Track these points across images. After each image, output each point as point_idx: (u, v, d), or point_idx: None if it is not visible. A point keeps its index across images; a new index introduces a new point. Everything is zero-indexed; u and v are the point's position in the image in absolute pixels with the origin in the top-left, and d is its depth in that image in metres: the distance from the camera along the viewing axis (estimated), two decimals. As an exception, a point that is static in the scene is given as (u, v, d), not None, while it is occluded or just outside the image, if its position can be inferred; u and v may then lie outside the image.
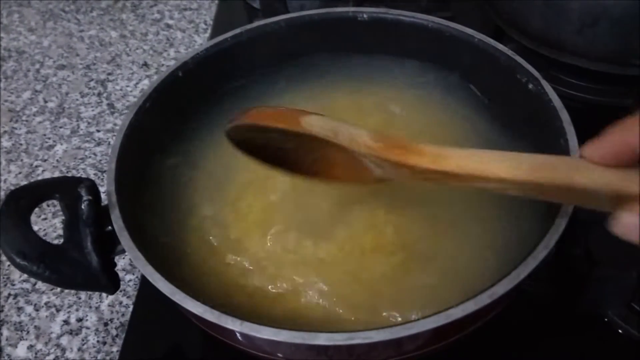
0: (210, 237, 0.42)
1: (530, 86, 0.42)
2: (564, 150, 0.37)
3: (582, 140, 0.38)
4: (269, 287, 0.39)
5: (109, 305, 0.49)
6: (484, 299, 0.29)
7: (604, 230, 0.45)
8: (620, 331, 0.43)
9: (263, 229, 0.41)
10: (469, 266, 0.38)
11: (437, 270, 0.38)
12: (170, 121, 0.46)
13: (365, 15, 0.50)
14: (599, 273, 0.44)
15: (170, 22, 0.82)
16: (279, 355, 0.34)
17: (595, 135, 0.28)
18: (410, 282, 0.38)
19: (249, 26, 0.49)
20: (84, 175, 0.61)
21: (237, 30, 0.49)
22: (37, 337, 0.48)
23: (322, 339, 0.28)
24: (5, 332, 0.48)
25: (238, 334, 0.31)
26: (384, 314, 0.36)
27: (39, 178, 0.60)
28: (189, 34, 0.79)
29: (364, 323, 0.36)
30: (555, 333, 0.45)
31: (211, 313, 0.30)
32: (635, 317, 0.43)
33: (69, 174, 0.61)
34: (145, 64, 0.74)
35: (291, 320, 0.37)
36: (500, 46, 0.44)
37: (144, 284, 0.49)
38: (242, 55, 0.49)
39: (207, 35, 0.79)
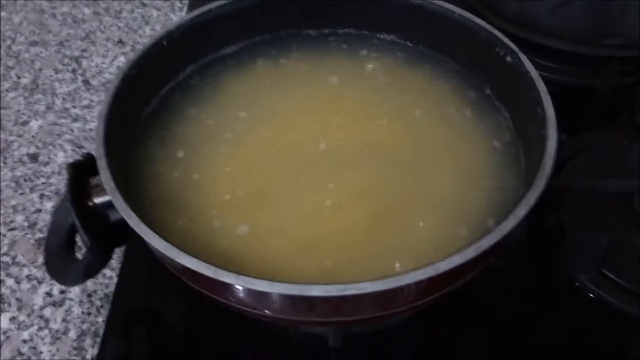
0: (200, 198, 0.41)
1: (509, 59, 0.43)
2: (541, 118, 0.39)
3: (558, 111, 0.39)
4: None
5: (92, 278, 0.49)
6: (469, 253, 0.31)
7: (576, 197, 0.47)
8: (591, 295, 0.45)
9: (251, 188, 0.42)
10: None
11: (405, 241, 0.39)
12: (154, 90, 0.47)
13: (345, -10, 0.51)
14: (570, 240, 0.46)
15: (146, 0, 0.81)
16: (266, 311, 0.34)
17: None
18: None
19: (231, -2, 0.49)
20: (61, 151, 0.60)
21: (221, 2, 0.49)
22: (19, 308, 0.47)
23: (316, 291, 0.29)
24: (-15, 305, 0.47)
25: (232, 288, 0.32)
26: None
27: (15, 153, 0.60)
28: (165, 12, 0.78)
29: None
30: (529, 300, 0.47)
31: (207, 268, 0.30)
32: (605, 281, 0.45)
33: (45, 150, 0.60)
34: (121, 41, 0.74)
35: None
36: (479, 21, 0.46)
37: (128, 257, 0.49)
38: (226, 25, 0.49)
39: (182, 13, 0.78)
